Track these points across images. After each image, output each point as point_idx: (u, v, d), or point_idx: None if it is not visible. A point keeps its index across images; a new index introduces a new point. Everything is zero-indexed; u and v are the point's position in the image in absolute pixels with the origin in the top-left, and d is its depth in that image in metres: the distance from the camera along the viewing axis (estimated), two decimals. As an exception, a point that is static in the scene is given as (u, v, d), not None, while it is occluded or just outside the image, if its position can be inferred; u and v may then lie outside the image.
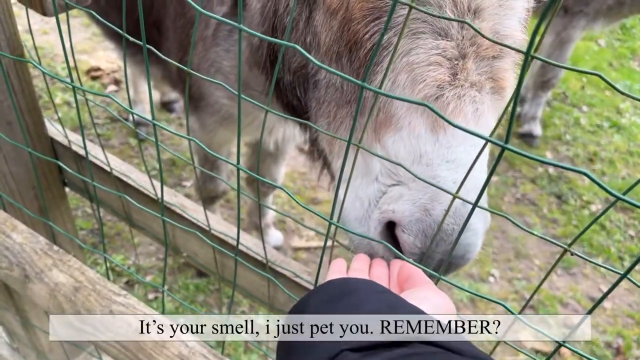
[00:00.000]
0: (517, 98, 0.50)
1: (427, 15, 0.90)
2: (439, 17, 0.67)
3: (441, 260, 0.92)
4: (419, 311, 0.66)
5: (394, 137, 0.93)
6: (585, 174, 0.48)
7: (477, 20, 0.91)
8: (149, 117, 3.00)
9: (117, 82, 4.40)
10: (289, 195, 0.96)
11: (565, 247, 0.67)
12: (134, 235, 3.10)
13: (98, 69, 4.37)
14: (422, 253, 0.90)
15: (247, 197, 3.42)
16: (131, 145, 3.88)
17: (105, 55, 4.61)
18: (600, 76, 0.58)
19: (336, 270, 0.89)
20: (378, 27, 0.96)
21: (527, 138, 4.57)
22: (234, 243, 1.39)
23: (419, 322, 0.62)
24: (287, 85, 1.27)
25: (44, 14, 1.29)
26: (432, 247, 0.88)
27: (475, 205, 0.68)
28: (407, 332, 0.59)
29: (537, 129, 4.57)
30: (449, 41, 0.91)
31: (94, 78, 4.35)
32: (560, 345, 0.63)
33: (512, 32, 0.95)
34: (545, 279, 0.72)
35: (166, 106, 4.15)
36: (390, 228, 0.94)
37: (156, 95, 4.09)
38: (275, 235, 3.39)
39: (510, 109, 0.55)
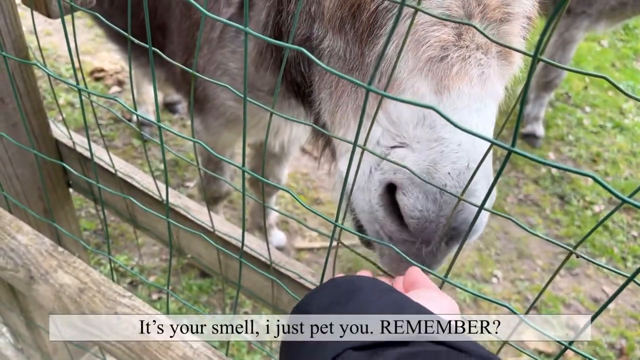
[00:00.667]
0: (524, 98, 0.50)
1: None
2: (445, 19, 0.67)
3: (444, 226, 0.87)
4: (425, 310, 0.66)
5: (395, 101, 0.91)
6: (592, 177, 0.48)
7: None
8: (152, 118, 3.02)
9: (120, 83, 4.41)
10: (294, 197, 0.96)
11: (571, 249, 0.67)
12: (138, 235, 3.11)
13: (101, 70, 4.38)
14: (424, 218, 0.86)
15: (250, 198, 3.43)
16: (134, 146, 3.88)
17: (108, 57, 4.62)
18: (606, 78, 0.58)
19: None
20: None
21: (530, 139, 4.57)
22: (238, 244, 1.39)
23: (425, 321, 0.62)
24: (292, 61, 1.26)
25: (49, 15, 1.29)
26: (434, 209, 0.84)
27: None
28: (413, 331, 0.59)
29: (539, 130, 4.57)
30: (454, 0, 0.88)
31: (98, 79, 4.36)
32: (566, 348, 0.63)
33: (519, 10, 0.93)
34: (550, 282, 0.72)
35: (169, 107, 4.15)
36: (391, 193, 0.91)
37: (159, 96, 4.10)
38: (278, 236, 3.40)
39: (516, 109, 0.55)
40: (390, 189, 0.91)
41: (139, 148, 3.87)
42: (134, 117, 4.01)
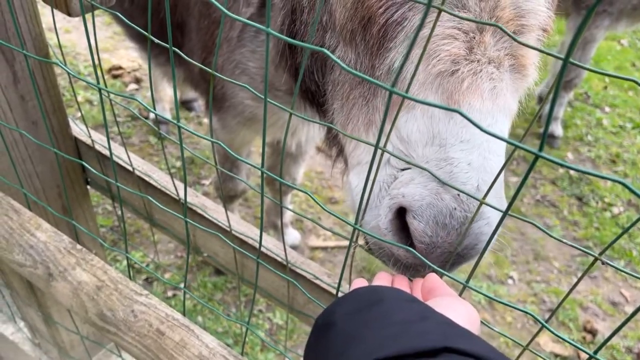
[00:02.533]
0: (554, 102, 0.49)
1: None
2: (466, 19, 0.66)
3: (449, 252, 0.86)
4: (448, 321, 0.65)
5: (407, 115, 0.89)
6: (622, 183, 0.47)
7: None
8: (168, 116, 3.02)
9: (137, 80, 4.44)
10: (311, 197, 0.96)
11: (596, 255, 0.65)
12: (153, 232, 3.13)
13: (119, 68, 4.41)
14: (433, 244, 0.84)
15: (265, 197, 3.43)
16: (151, 144, 3.90)
17: (126, 54, 4.65)
18: (636, 82, 0.57)
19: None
20: (392, 2, 0.92)
21: (548, 139, 4.51)
22: (254, 244, 1.39)
23: (449, 332, 0.61)
24: (306, 70, 1.26)
25: (69, 14, 1.30)
26: (442, 235, 0.83)
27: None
28: (438, 342, 0.58)
29: (558, 130, 4.52)
30: (466, 13, 0.87)
31: (115, 77, 4.39)
32: (590, 357, 0.62)
33: (535, 7, 0.90)
34: (572, 289, 0.71)
35: (185, 105, 4.17)
36: (401, 216, 0.89)
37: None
38: (292, 235, 3.40)
39: (543, 111, 0.54)
40: (400, 212, 0.89)
41: (155, 145, 3.89)
42: (151, 115, 4.04)
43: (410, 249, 0.85)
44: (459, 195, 0.81)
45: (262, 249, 1.35)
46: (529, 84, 0.93)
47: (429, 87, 0.88)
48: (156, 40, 0.84)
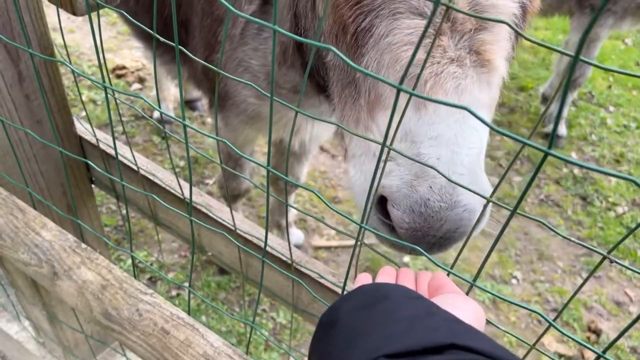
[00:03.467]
0: (564, 100, 0.49)
1: None
2: (471, 15, 0.65)
3: (432, 236, 0.92)
4: (454, 317, 0.64)
5: (383, 115, 0.97)
6: (636, 183, 0.47)
7: None
8: (172, 115, 3.02)
9: (141, 80, 4.44)
10: (318, 196, 0.96)
11: (604, 254, 0.65)
12: (157, 231, 3.14)
13: (123, 67, 4.42)
14: (412, 228, 0.91)
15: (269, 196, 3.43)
16: (155, 143, 3.91)
17: (130, 54, 4.66)
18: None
19: (363, 284, 0.88)
20: (360, 11, 0.98)
21: (554, 136, 4.50)
22: (259, 243, 1.39)
23: (456, 328, 0.61)
24: (313, 67, 1.32)
25: (74, 13, 1.30)
26: (419, 222, 0.89)
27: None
28: (445, 338, 0.58)
29: (562, 129, 4.51)
30: (422, 20, 0.92)
31: (119, 76, 4.39)
32: (599, 356, 0.62)
33: (497, 2, 0.94)
34: (579, 289, 0.70)
35: (189, 104, 4.18)
36: (384, 203, 0.96)
37: (177, 92, 4.12)
38: (296, 234, 3.40)
39: (552, 111, 0.53)
40: (382, 200, 0.96)
41: (159, 145, 3.90)
42: (155, 114, 4.04)
43: (416, 247, 0.86)
44: (430, 187, 0.88)
45: (267, 248, 1.35)
46: (498, 76, 0.97)
47: (394, 92, 0.94)
48: (161, 39, 0.84)
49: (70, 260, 1.27)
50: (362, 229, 0.85)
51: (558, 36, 5.84)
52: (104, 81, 0.92)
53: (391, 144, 0.76)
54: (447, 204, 0.87)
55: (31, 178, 1.48)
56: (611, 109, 4.98)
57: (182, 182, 1.46)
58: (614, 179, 4.18)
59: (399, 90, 0.58)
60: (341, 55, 0.61)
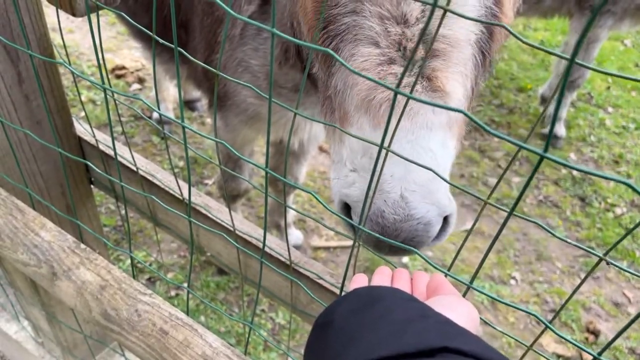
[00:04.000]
0: (560, 102, 0.49)
1: (364, 23, 1.00)
2: (472, 19, 0.66)
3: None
4: (448, 320, 0.65)
5: (350, 129, 1.03)
6: (629, 185, 0.47)
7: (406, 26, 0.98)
8: (171, 115, 3.01)
9: (141, 80, 4.44)
10: (317, 199, 0.97)
11: (601, 255, 0.65)
12: (156, 232, 3.14)
13: (122, 68, 4.42)
14: (369, 235, 0.98)
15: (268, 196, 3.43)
16: (154, 143, 3.91)
17: (129, 54, 4.66)
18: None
19: (359, 284, 0.89)
20: (327, 35, 1.06)
21: (551, 139, 4.51)
22: (258, 243, 1.39)
23: (448, 331, 0.62)
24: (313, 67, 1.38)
25: (73, 14, 1.30)
26: (377, 230, 0.97)
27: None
28: (437, 341, 0.59)
29: (561, 130, 4.51)
30: (376, 49, 0.99)
31: (119, 77, 4.40)
32: (595, 357, 0.62)
33: (445, 32, 0.98)
34: (576, 290, 0.71)
35: (188, 105, 4.18)
36: (348, 209, 1.04)
37: (177, 93, 4.12)
38: (295, 235, 3.40)
39: (547, 112, 0.54)
40: (347, 206, 1.05)
41: (158, 145, 3.90)
42: (154, 115, 4.04)
43: (415, 249, 0.87)
44: (385, 201, 0.95)
45: (266, 248, 1.36)
46: (453, 100, 1.00)
47: (360, 109, 1.01)
48: (161, 40, 0.84)
49: (70, 261, 1.28)
50: (360, 230, 0.86)
51: (557, 37, 5.85)
52: (103, 82, 0.92)
53: (389, 146, 0.77)
54: (401, 217, 0.94)
55: (30, 178, 1.48)
56: (610, 110, 4.99)
57: (181, 182, 1.47)
58: (611, 181, 4.19)
59: (396, 94, 0.59)
60: (339, 58, 0.62)
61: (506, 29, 0.58)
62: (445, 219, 1.01)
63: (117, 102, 1.14)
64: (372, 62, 0.98)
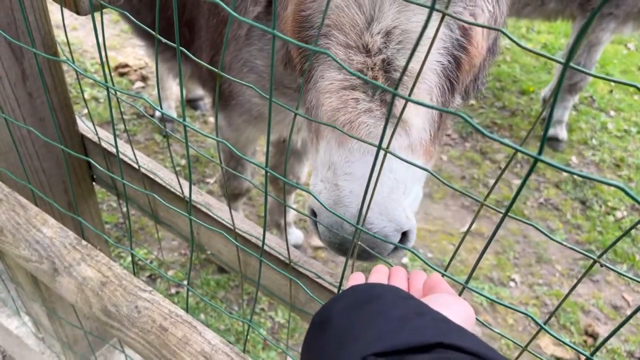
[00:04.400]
0: (554, 106, 0.50)
1: (332, 48, 1.05)
2: (474, 24, 0.67)
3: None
4: (443, 317, 0.66)
5: (320, 144, 1.10)
6: (621, 188, 0.48)
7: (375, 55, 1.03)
8: (174, 114, 3.01)
9: (144, 78, 4.46)
10: (315, 198, 0.99)
11: (595, 258, 0.66)
12: (157, 229, 3.15)
13: (126, 66, 4.43)
14: (332, 242, 1.08)
15: (269, 196, 3.43)
16: (156, 141, 3.92)
17: (133, 52, 4.67)
18: (638, 87, 0.57)
19: (356, 282, 0.90)
20: (304, 54, 1.15)
21: (553, 142, 4.51)
22: (258, 242, 1.40)
23: (444, 328, 0.62)
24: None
25: (77, 12, 1.31)
26: (338, 240, 1.05)
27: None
28: (432, 337, 0.59)
29: (562, 133, 4.52)
30: (339, 74, 1.05)
31: (122, 74, 4.41)
32: (587, 358, 0.63)
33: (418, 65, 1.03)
34: (571, 291, 0.72)
35: (191, 103, 4.19)
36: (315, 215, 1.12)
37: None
38: (295, 234, 3.41)
39: (554, 115, 0.54)
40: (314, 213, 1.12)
41: (161, 143, 3.91)
42: (157, 113, 4.05)
43: (413, 250, 0.87)
44: (344, 214, 1.01)
45: (265, 247, 1.37)
46: (413, 129, 1.06)
47: (328, 127, 1.06)
48: (163, 40, 0.85)
49: (71, 257, 1.29)
50: (358, 230, 0.87)
51: (560, 40, 5.85)
52: (106, 80, 0.93)
53: (387, 147, 0.78)
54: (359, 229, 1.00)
55: (33, 175, 1.49)
56: (612, 113, 4.99)
57: (182, 181, 1.48)
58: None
59: (393, 95, 0.60)
60: (337, 59, 0.63)
61: (503, 32, 0.59)
62: (405, 234, 1.06)
63: (119, 100, 1.15)
64: (336, 85, 1.05)
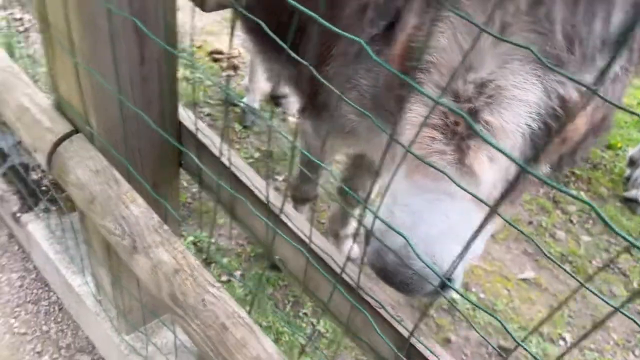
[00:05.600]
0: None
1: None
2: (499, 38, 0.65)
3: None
4: None
5: (391, 170, 1.07)
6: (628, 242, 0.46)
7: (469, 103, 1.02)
8: (257, 107, 3.05)
9: (235, 67, 4.57)
10: (376, 216, 1.00)
11: (581, 282, 0.64)
12: (219, 216, 3.22)
13: (220, 52, 4.56)
14: (375, 266, 1.08)
15: (332, 204, 3.45)
16: (235, 130, 4.02)
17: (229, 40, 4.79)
18: None
19: None
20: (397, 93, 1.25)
21: (632, 203, 4.30)
22: (327, 258, 1.40)
23: None
24: None
25: (203, 9, 1.37)
26: (382, 265, 1.05)
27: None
28: None
29: (642, 195, 4.30)
30: (424, 110, 1.07)
31: (215, 60, 4.54)
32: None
33: (503, 124, 1.01)
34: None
35: (274, 99, 4.26)
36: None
37: (266, 86, 4.21)
38: (355, 248, 3.39)
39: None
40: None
41: (239, 133, 4.00)
42: (241, 104, 4.15)
43: (460, 292, 0.86)
44: (392, 242, 1.01)
45: (336, 268, 1.37)
46: (481, 182, 1.02)
47: (407, 156, 1.04)
48: (292, 53, 0.89)
49: (151, 239, 1.34)
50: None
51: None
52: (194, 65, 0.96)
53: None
54: (401, 263, 1.01)
55: (129, 153, 1.56)
56: (702, 186, 4.71)
57: (259, 180, 1.50)
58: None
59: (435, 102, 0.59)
60: (422, 90, 0.63)
61: (531, 50, 0.57)
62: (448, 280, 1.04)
63: (209, 83, 1.18)
64: (418, 120, 1.07)
